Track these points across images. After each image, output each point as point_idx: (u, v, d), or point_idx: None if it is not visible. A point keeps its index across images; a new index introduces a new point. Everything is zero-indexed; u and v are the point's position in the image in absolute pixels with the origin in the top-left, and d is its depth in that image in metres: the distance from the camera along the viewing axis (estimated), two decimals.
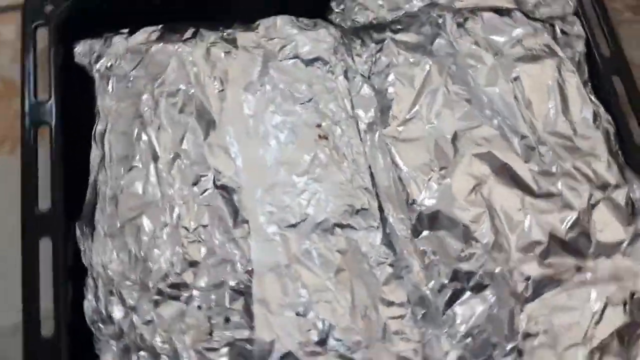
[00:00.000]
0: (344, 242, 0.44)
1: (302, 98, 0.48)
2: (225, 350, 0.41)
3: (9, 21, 0.53)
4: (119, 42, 0.49)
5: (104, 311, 0.43)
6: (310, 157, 0.47)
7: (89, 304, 0.43)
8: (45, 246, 0.44)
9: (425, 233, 0.44)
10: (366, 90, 0.49)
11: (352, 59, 0.50)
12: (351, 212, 0.45)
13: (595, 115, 0.48)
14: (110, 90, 0.48)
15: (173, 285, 0.43)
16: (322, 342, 0.41)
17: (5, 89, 0.51)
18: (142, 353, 0.41)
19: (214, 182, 0.45)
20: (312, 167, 0.46)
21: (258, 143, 0.47)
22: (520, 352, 0.41)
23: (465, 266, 0.43)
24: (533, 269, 0.43)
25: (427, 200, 0.45)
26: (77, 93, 0.48)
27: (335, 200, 0.45)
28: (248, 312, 0.42)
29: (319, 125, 0.48)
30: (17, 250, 0.44)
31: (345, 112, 0.48)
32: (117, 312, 0.42)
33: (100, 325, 0.43)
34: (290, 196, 0.45)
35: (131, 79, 0.49)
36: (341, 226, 0.44)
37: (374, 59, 0.50)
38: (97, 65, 0.49)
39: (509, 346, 0.41)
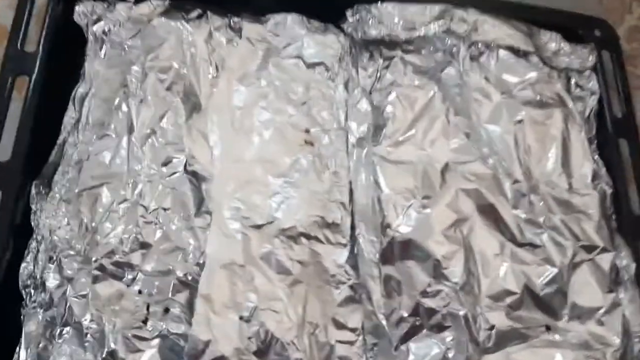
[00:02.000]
0: (307, 254, 0.41)
1: (296, 100, 0.46)
2: (156, 341, 0.38)
3: None
4: (122, 9, 0.48)
5: (39, 277, 0.40)
6: (292, 160, 0.44)
7: (25, 266, 0.41)
8: None
9: (393, 260, 0.41)
10: (364, 104, 0.46)
11: (357, 70, 0.48)
12: (321, 224, 0.42)
13: (595, 174, 0.45)
14: (102, 55, 0.47)
15: (118, 264, 0.40)
16: (261, 352, 0.38)
17: None
18: (67, 329, 0.38)
19: (185, 166, 0.43)
20: (292, 171, 0.44)
21: (241, 136, 0.45)
22: None
23: (429, 302, 0.40)
24: (500, 319, 0.40)
25: (402, 226, 0.42)
26: (65, 51, 0.46)
27: (307, 209, 0.42)
28: (190, 307, 0.39)
29: (307, 130, 0.46)
30: None
31: (338, 122, 0.46)
32: (52, 280, 0.40)
33: (32, 291, 0.40)
34: (262, 196, 0.43)
35: (126, 47, 0.47)
36: (308, 236, 0.42)
37: (378, 75, 0.48)
38: (94, 28, 0.47)
39: None
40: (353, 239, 0.42)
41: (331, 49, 0.48)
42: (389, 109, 0.46)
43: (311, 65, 0.48)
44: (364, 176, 0.44)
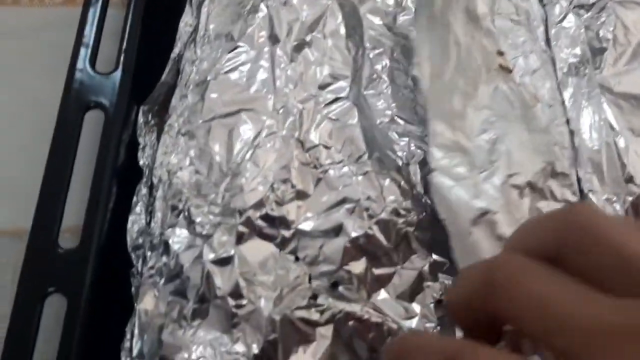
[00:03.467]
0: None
1: (482, 15, 0.35)
2: (329, 328, 0.27)
3: None
4: None
5: (157, 234, 0.29)
6: (490, 89, 0.33)
7: (135, 220, 0.29)
8: (91, 126, 0.30)
9: None
10: (571, 21, 0.35)
11: None
12: (548, 173, 0.31)
13: None
14: None
15: (268, 219, 0.28)
16: None
17: None
18: (204, 306, 0.27)
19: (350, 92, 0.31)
20: (495, 101, 0.32)
21: (439, 40, 0.33)
22: None
23: None
24: None
25: None
26: None
27: (530, 153, 0.31)
28: (366, 281, 0.28)
29: (500, 53, 0.34)
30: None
31: (538, 44, 0.34)
32: (178, 239, 0.28)
33: (148, 253, 0.29)
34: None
35: None
36: (534, 188, 0.30)
37: None
38: None
39: None
40: (581, 195, 0.31)
41: None
42: (606, 28, 0.35)
43: None
44: (590, 113, 0.32)
